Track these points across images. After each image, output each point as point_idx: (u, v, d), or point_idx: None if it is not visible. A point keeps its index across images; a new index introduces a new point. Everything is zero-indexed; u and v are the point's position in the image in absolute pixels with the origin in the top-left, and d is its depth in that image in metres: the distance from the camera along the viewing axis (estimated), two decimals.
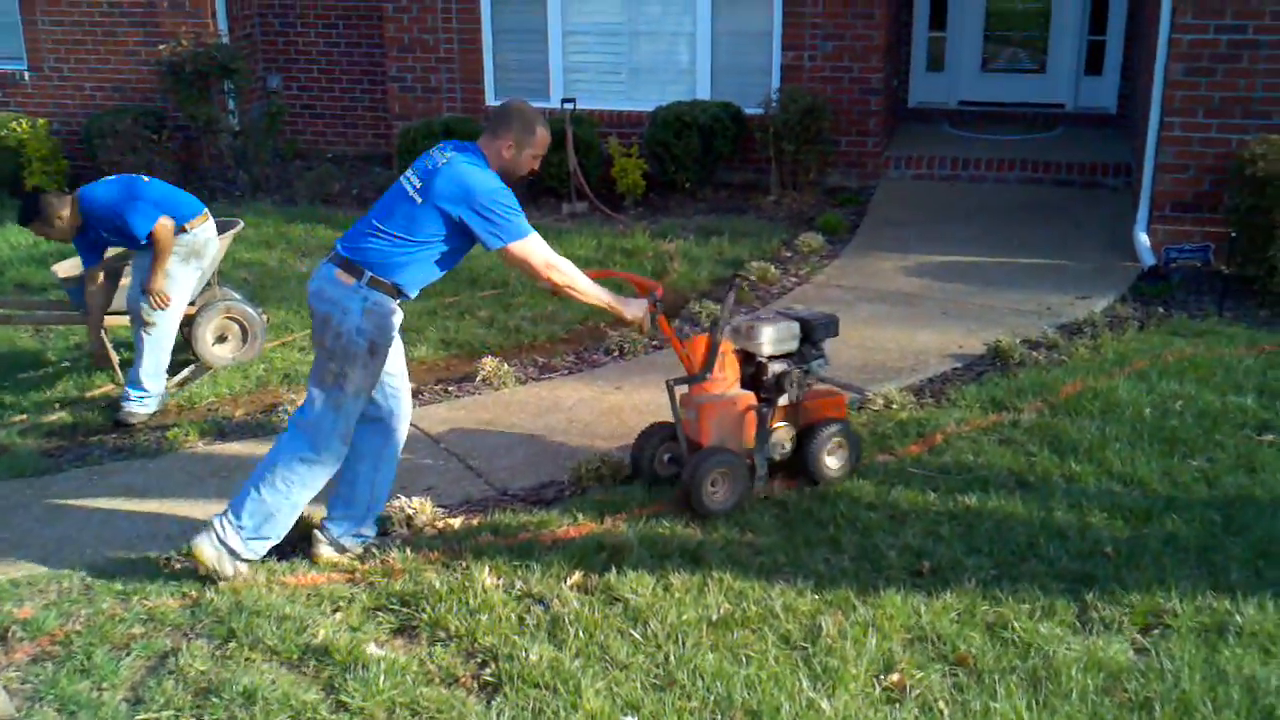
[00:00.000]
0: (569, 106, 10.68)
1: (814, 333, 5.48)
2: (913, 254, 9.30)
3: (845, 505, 5.27)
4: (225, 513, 4.68)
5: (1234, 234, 8.05)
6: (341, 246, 4.68)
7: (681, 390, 5.35)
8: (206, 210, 6.75)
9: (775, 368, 5.40)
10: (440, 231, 4.59)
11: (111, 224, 6.40)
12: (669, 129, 10.64)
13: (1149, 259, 8.77)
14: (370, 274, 4.57)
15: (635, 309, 5.03)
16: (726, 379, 5.36)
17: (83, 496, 5.64)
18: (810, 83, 10.96)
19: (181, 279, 6.59)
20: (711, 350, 5.26)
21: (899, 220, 10.13)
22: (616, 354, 7.37)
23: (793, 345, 5.45)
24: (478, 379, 7.00)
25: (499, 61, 11.89)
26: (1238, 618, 4.39)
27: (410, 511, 5.20)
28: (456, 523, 5.25)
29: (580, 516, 5.20)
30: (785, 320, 5.48)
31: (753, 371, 5.45)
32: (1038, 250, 9.23)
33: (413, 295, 4.73)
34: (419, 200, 4.57)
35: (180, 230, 6.48)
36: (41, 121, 11.91)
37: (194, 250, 6.61)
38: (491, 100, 11.89)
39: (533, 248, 4.65)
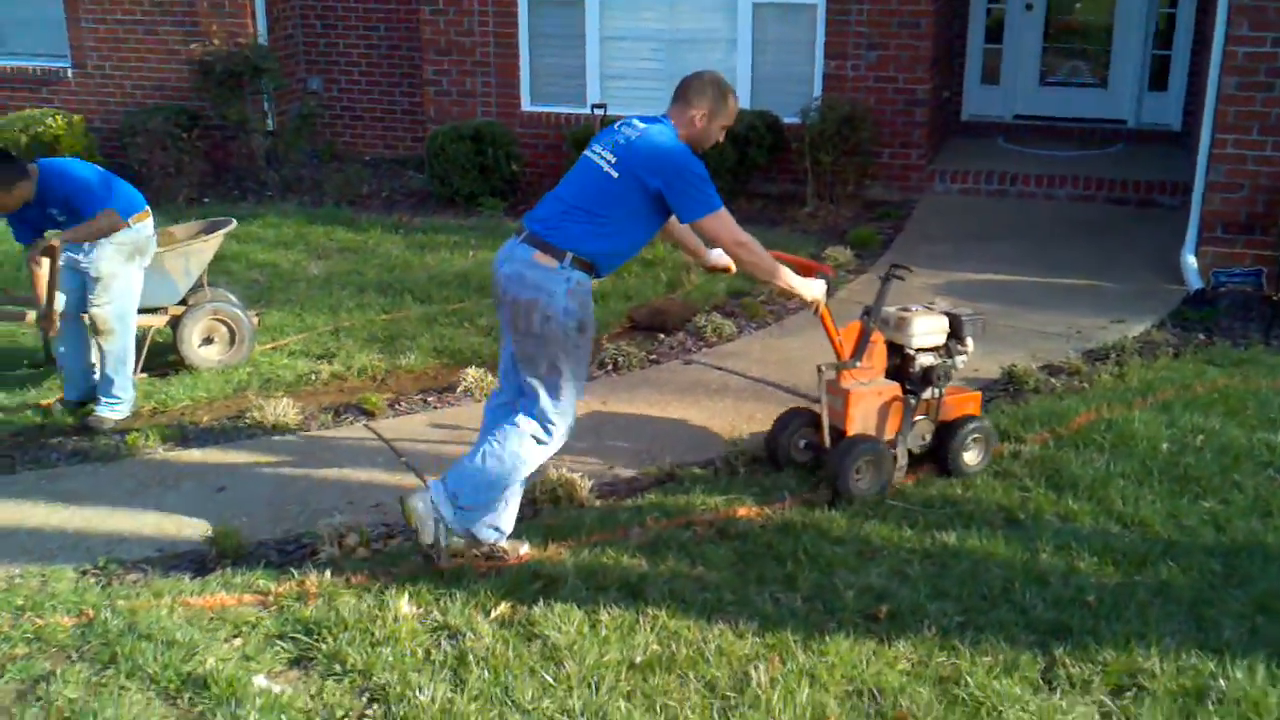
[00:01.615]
0: (599, 112, 10.38)
1: (961, 328, 5.50)
2: (945, 271, 8.83)
3: (810, 539, 4.87)
4: (442, 479, 4.61)
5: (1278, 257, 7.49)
6: (535, 226, 4.56)
7: (829, 377, 5.37)
8: (148, 208, 6.49)
9: (923, 360, 5.44)
10: (638, 206, 4.53)
11: (71, 203, 6.16)
12: None
13: (1196, 282, 8.23)
14: (572, 254, 4.46)
15: (815, 289, 5.06)
16: (874, 368, 5.42)
17: (24, 500, 5.42)
18: (853, 92, 10.53)
19: (126, 277, 6.35)
20: (863, 338, 5.33)
21: (937, 236, 9.66)
22: (610, 367, 7.03)
23: (940, 339, 5.49)
24: (459, 390, 6.68)
25: (536, 66, 11.61)
26: (1221, 682, 3.92)
27: (343, 531, 4.89)
28: (393, 544, 4.93)
29: (526, 541, 4.86)
30: (935, 314, 5.50)
31: (898, 363, 5.49)
32: (1079, 271, 8.71)
33: (606, 273, 4.66)
34: (615, 175, 4.49)
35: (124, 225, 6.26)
36: (77, 118, 11.87)
37: (138, 248, 6.37)
38: (527, 105, 11.63)
39: (726, 221, 4.61)
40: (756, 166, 10.49)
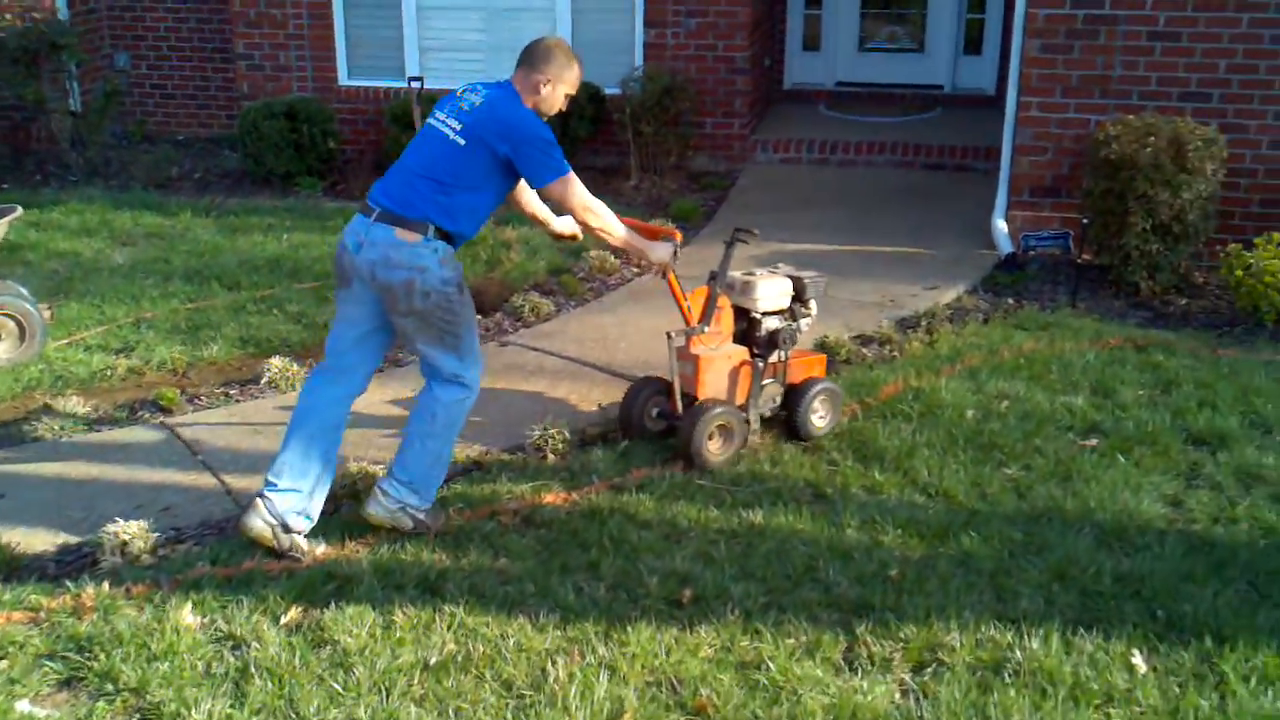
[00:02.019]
0: (416, 85, 10.07)
1: (804, 291, 5.57)
2: (765, 242, 8.78)
3: (617, 524, 4.78)
4: (389, 475, 4.68)
5: (1084, 220, 7.63)
6: (386, 202, 4.50)
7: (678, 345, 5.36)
8: None
9: (769, 324, 5.47)
10: (487, 172, 4.52)
11: None
12: None
13: (1007, 247, 8.36)
14: (433, 226, 4.45)
15: (661, 252, 5.08)
16: (721, 333, 5.42)
17: None
18: (674, 61, 10.46)
19: None
20: (710, 303, 5.33)
21: (759, 206, 9.65)
22: None
23: (785, 303, 5.54)
24: (263, 381, 6.43)
25: (352, 38, 11.28)
26: (1018, 653, 3.95)
27: (126, 537, 4.63)
28: (181, 549, 4.69)
29: (322, 540, 4.67)
30: (779, 278, 5.53)
31: (744, 327, 5.52)
32: (896, 238, 8.79)
33: (461, 244, 4.62)
34: (461, 142, 4.48)
35: None
36: None
37: None
38: (345, 80, 11.30)
39: (574, 187, 4.62)
40: (579, 139, 10.35)
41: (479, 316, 7.34)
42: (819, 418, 5.55)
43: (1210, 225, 7.66)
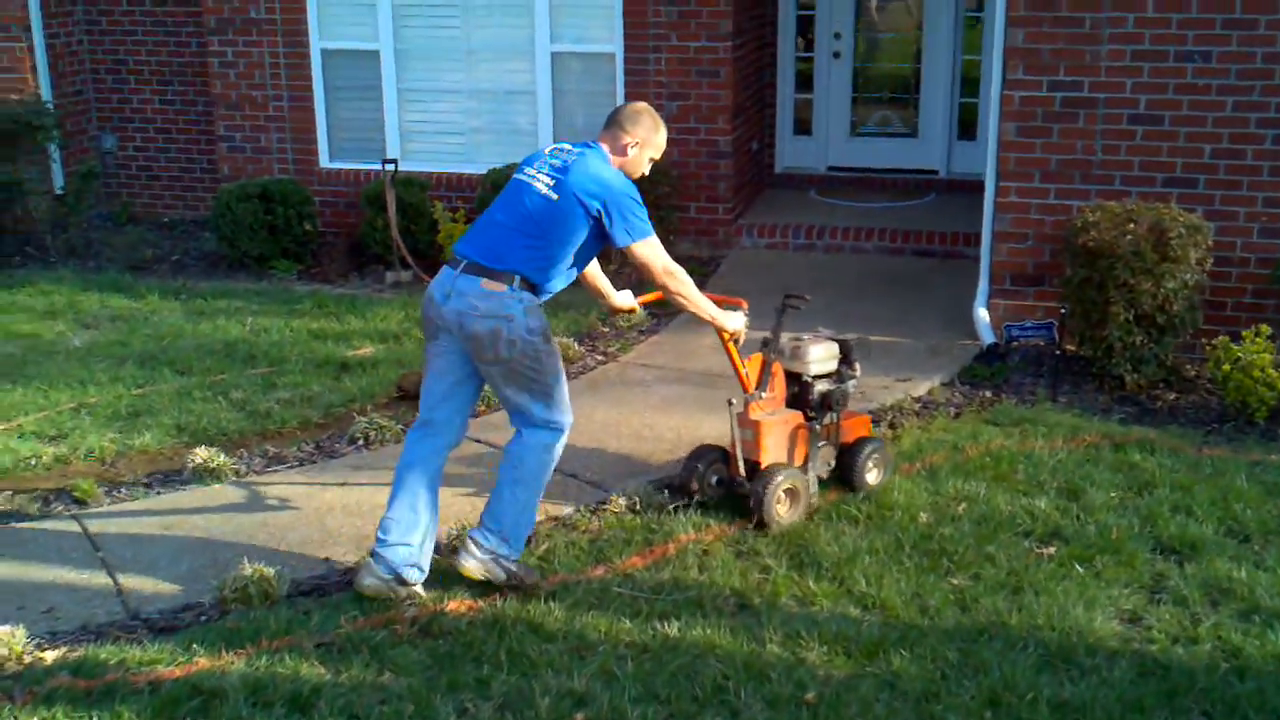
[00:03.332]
0: (389, 168, 9.91)
1: (850, 353, 5.73)
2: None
3: (520, 636, 4.43)
4: (479, 525, 4.73)
5: (1063, 310, 7.27)
6: (475, 254, 4.59)
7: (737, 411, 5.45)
8: None
9: (820, 387, 5.59)
10: (577, 228, 4.57)
11: None
12: (498, 193, 9.83)
13: (989, 337, 8.01)
14: (519, 276, 4.53)
15: (735, 321, 5.22)
16: (776, 398, 5.53)
17: None
18: None
19: None
20: (765, 369, 5.45)
21: (739, 292, 9.27)
22: (361, 443, 6.52)
23: (833, 365, 5.68)
24: (186, 472, 6.12)
25: (334, 121, 11.12)
26: None
27: None
28: (51, 657, 4.36)
29: (199, 649, 4.33)
30: (827, 341, 5.71)
31: (796, 391, 5.63)
32: (875, 327, 8.44)
33: (547, 296, 4.70)
34: (555, 197, 4.54)
35: None
36: None
37: None
38: (326, 162, 11.14)
39: (657, 250, 4.72)
40: None
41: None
42: (873, 475, 5.70)
43: (1198, 316, 7.29)
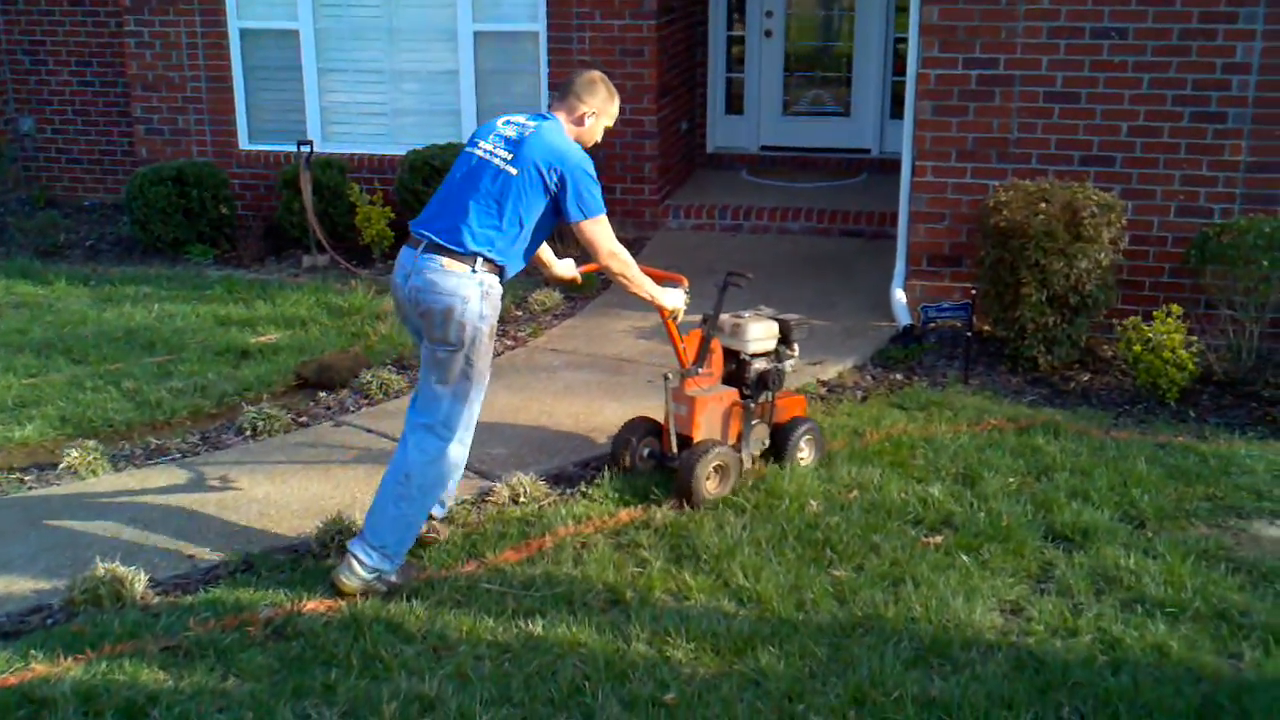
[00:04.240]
0: (305, 150, 9.68)
1: (790, 333, 5.70)
2: (651, 314, 8.34)
3: (377, 636, 4.25)
4: (361, 539, 4.56)
5: (974, 290, 7.13)
6: (435, 233, 4.52)
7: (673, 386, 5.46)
8: None
9: (758, 365, 5.58)
10: (536, 201, 4.53)
11: None
12: (417, 175, 9.64)
13: (905, 318, 7.87)
14: (481, 257, 4.48)
15: (674, 299, 5.24)
16: (713, 375, 5.53)
17: None
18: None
19: None
20: (704, 346, 5.46)
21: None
22: (248, 433, 6.32)
23: (772, 344, 5.66)
24: (60, 467, 5.90)
25: (253, 102, 10.87)
26: None
27: None
28: None
29: (37, 654, 4.14)
30: (766, 320, 5.67)
31: (734, 368, 5.62)
32: (794, 309, 8.02)
33: (509, 277, 4.66)
34: (513, 171, 4.49)
35: None
36: None
37: None
38: (245, 144, 10.88)
39: (605, 230, 4.69)
40: None
41: (323, 394, 6.90)
42: (805, 456, 5.68)
43: (1112, 296, 7.17)
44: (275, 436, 6.30)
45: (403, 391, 6.91)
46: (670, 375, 5.42)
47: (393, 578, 4.58)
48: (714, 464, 5.27)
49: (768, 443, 5.67)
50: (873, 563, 4.78)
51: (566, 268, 5.39)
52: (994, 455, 5.83)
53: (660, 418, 5.61)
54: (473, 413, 4.67)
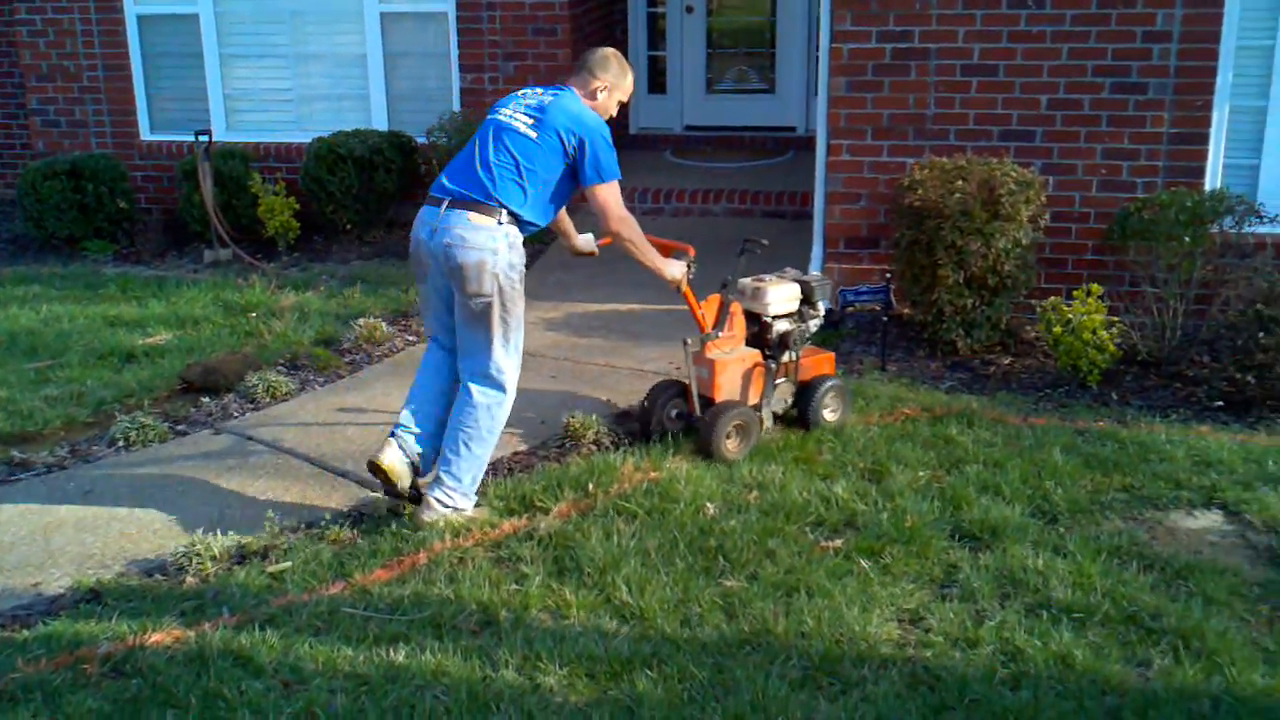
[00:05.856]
0: (204, 140, 9.27)
1: (813, 294, 5.83)
2: (568, 303, 8.06)
3: (224, 671, 3.91)
4: (440, 482, 4.83)
5: (888, 273, 6.85)
6: (462, 189, 4.73)
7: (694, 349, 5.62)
8: None
9: (779, 327, 5.73)
10: (555, 165, 4.75)
11: None
12: (322, 163, 9.28)
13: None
14: (505, 210, 4.68)
15: (676, 269, 5.34)
16: (735, 337, 5.68)
17: None
18: None
19: None
20: (723, 310, 5.61)
21: (574, 263, 8.73)
22: (121, 444, 5.94)
23: (794, 306, 5.80)
24: None
25: (153, 90, 10.44)
26: None
27: None
28: None
29: None
30: (788, 282, 5.79)
31: (756, 330, 5.77)
32: (709, 294, 7.97)
33: (530, 232, 4.84)
34: (534, 135, 4.72)
35: None
36: None
37: None
38: (147, 135, 10.45)
39: (617, 196, 4.88)
40: (388, 193, 9.55)
41: (207, 399, 6.54)
42: (830, 412, 5.81)
43: (1033, 275, 6.92)
44: (149, 447, 5.93)
45: (291, 395, 6.55)
46: (689, 340, 5.57)
47: (469, 511, 4.89)
48: (734, 423, 5.41)
49: (790, 401, 5.80)
50: (767, 571, 4.48)
51: (586, 242, 5.53)
52: (904, 448, 5.56)
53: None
54: (519, 354, 4.89)
